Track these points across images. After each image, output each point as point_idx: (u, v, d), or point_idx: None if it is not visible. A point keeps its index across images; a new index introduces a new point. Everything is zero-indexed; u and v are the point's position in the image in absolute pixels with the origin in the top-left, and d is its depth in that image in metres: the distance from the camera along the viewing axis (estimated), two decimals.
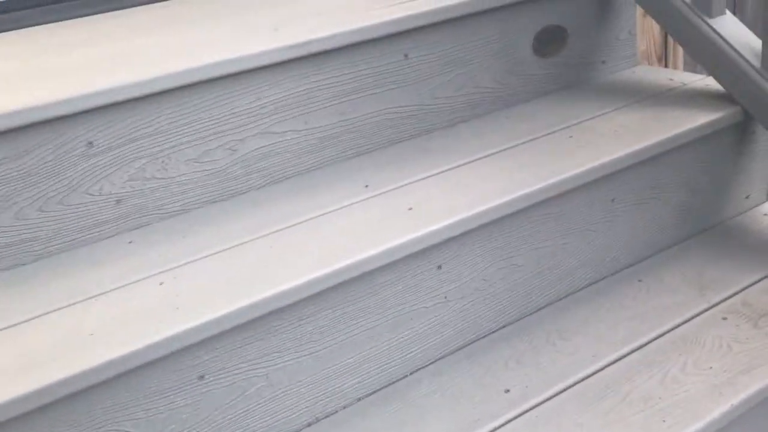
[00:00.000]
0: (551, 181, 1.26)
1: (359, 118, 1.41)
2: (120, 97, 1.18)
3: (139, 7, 1.69)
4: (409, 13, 1.41)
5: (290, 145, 1.35)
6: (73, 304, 1.05)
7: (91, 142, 1.19)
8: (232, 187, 1.31)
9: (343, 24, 1.36)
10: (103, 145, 1.20)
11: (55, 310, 1.04)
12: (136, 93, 1.19)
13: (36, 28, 1.63)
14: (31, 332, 1.00)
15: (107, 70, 1.26)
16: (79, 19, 1.66)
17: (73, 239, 1.20)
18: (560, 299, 1.33)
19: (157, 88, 1.20)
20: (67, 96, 1.14)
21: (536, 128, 1.46)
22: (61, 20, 1.66)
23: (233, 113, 1.29)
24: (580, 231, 1.34)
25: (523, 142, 1.41)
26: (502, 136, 1.44)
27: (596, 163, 1.30)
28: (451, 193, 1.26)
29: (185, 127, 1.25)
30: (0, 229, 1.13)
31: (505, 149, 1.39)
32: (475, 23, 1.49)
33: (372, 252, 1.10)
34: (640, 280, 1.36)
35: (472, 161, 1.36)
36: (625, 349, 1.20)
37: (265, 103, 1.32)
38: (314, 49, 1.33)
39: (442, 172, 1.33)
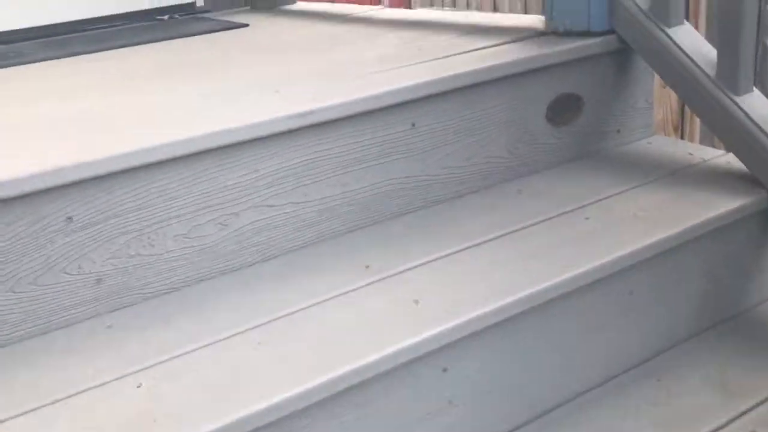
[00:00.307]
0: (568, 275, 1.16)
1: (362, 189, 1.32)
2: (101, 171, 1.08)
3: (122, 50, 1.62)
4: (417, 81, 1.33)
5: (288, 218, 1.26)
6: (37, 408, 0.93)
7: (70, 217, 1.09)
8: (223, 265, 1.22)
9: (348, 92, 1.28)
10: (83, 221, 1.10)
11: (13, 417, 0.92)
12: (119, 166, 1.09)
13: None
14: None
15: (86, 137, 1.16)
16: (64, 60, 1.58)
17: (47, 322, 1.09)
18: (574, 399, 1.23)
19: (142, 160, 1.11)
20: (44, 169, 1.05)
21: (550, 206, 1.37)
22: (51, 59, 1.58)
23: (226, 186, 1.19)
24: (596, 326, 1.24)
25: (537, 222, 1.32)
26: (513, 214, 1.35)
27: (615, 256, 1.21)
28: (460, 282, 1.16)
29: (174, 201, 1.16)
30: None
31: (517, 230, 1.30)
32: (487, 91, 1.41)
33: (374, 357, 1.00)
34: (659, 380, 1.26)
35: (482, 242, 1.27)
36: None
37: (263, 174, 1.22)
38: (317, 119, 1.24)
39: (451, 254, 1.24)
